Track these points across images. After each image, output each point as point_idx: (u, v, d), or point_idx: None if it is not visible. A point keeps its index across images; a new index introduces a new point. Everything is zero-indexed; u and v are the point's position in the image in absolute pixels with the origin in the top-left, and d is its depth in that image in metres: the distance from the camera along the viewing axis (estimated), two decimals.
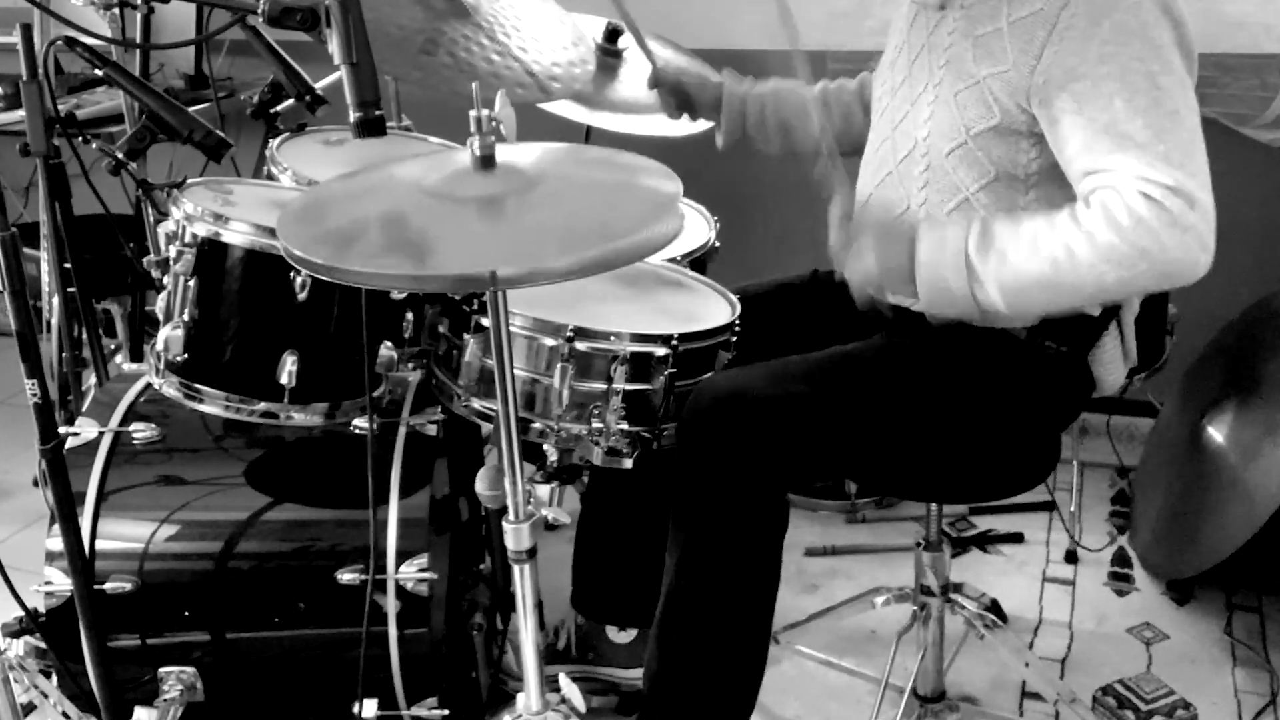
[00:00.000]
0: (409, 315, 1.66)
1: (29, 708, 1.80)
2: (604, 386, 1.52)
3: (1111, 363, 1.65)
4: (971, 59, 1.53)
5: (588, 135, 2.39)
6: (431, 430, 1.74)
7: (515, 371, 1.43)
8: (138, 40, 2.14)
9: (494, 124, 1.26)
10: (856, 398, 1.54)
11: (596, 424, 1.52)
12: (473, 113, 1.24)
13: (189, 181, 1.70)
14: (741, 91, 1.97)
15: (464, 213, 1.22)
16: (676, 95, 1.98)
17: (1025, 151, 1.53)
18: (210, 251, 1.59)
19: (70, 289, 2.10)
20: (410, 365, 1.72)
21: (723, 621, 1.53)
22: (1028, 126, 1.51)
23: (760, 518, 1.52)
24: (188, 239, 1.60)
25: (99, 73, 1.70)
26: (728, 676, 1.56)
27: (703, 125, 2.05)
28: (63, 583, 1.65)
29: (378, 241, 1.23)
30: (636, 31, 2.02)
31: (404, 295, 1.64)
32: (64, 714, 1.73)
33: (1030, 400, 1.62)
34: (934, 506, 1.86)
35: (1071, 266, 1.40)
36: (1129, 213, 1.37)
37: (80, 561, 1.59)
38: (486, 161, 1.25)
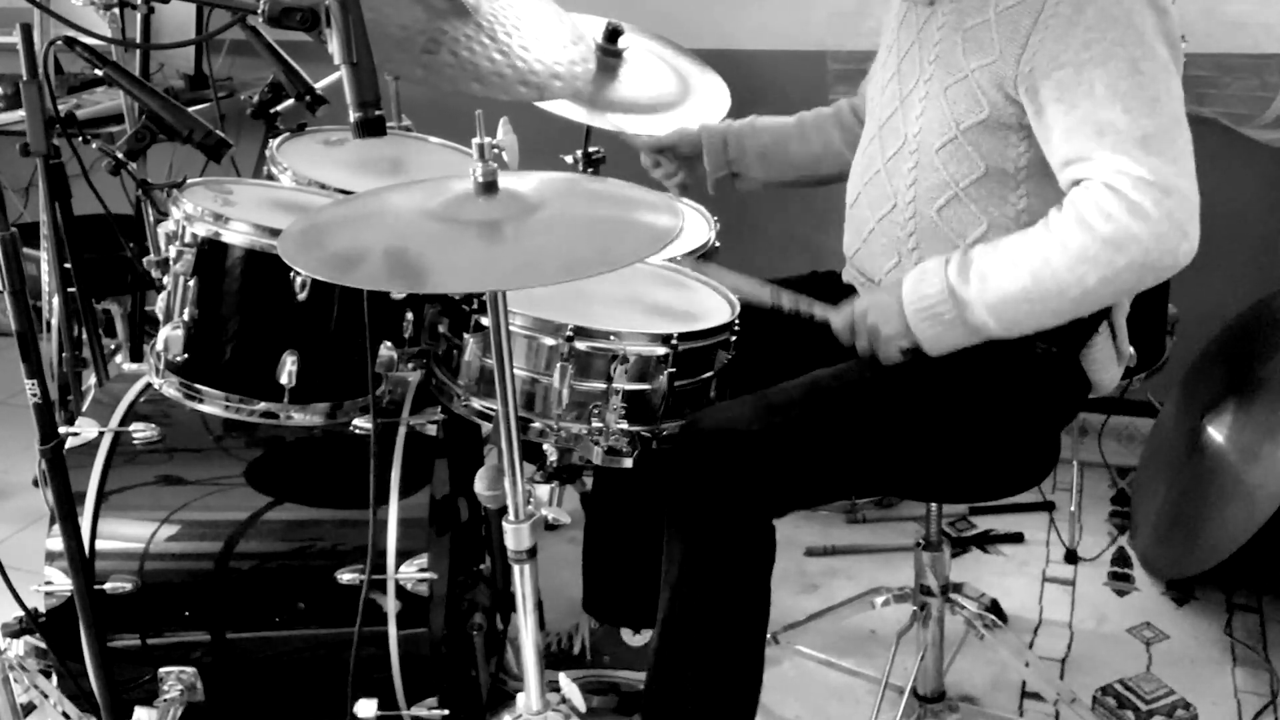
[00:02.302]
0: (409, 315, 1.66)
1: (29, 708, 1.81)
2: (604, 386, 1.52)
3: (1105, 362, 1.65)
4: (961, 52, 1.54)
5: (588, 135, 2.39)
6: (431, 430, 1.73)
7: (515, 371, 1.43)
8: (138, 40, 2.14)
9: (496, 150, 1.27)
10: (848, 419, 1.54)
11: (596, 424, 1.52)
12: (475, 139, 1.26)
13: (189, 181, 1.70)
14: (721, 128, 2.02)
15: (464, 235, 1.23)
16: (664, 155, 2.02)
17: (1014, 145, 1.53)
18: (210, 251, 1.59)
19: (70, 289, 2.10)
20: (410, 365, 1.72)
21: (716, 648, 1.55)
22: (1016, 119, 1.51)
23: (751, 550, 1.53)
24: (188, 239, 1.60)
25: (99, 73, 1.70)
26: (724, 698, 1.57)
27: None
28: (63, 583, 1.65)
29: (379, 263, 1.24)
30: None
31: (404, 295, 1.64)
32: (64, 714, 1.73)
33: (1023, 401, 1.62)
34: (934, 506, 1.87)
35: (1050, 274, 1.41)
36: (1098, 210, 1.38)
37: (80, 561, 1.59)
38: (489, 188, 1.27)
